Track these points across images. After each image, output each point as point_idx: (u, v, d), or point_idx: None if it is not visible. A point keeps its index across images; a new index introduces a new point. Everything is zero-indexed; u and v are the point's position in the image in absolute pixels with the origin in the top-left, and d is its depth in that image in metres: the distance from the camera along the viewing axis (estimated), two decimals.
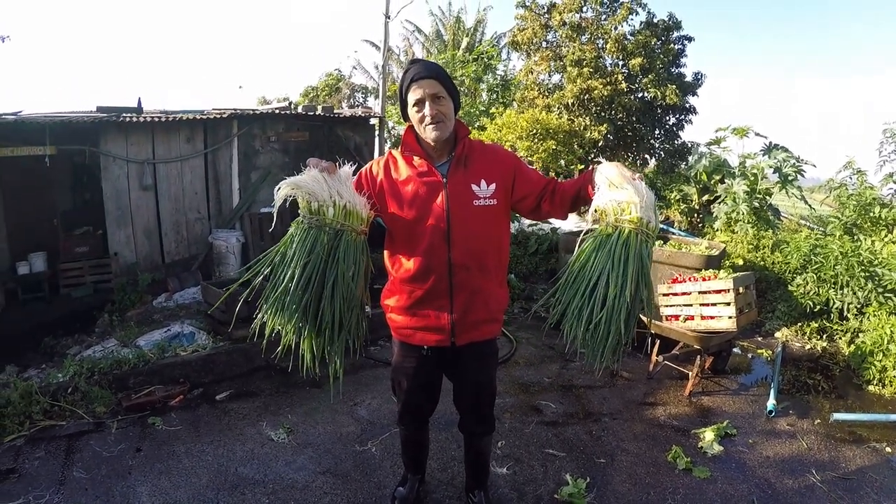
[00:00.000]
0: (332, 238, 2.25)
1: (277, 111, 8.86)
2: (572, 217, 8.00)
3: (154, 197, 7.66)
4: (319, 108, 9.50)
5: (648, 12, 12.82)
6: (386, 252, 2.65)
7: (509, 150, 3.00)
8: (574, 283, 2.23)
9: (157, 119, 7.45)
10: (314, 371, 2.37)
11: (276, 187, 2.27)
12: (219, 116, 8.05)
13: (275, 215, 2.30)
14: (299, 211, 2.29)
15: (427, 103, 2.39)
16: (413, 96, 2.42)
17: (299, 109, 9.31)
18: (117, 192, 7.34)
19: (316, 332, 2.31)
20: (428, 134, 2.43)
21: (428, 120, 2.40)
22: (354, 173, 2.42)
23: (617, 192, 2.18)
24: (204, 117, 7.96)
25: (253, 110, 8.85)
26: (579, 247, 2.27)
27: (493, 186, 2.50)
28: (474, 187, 2.48)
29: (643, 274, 2.16)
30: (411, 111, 2.47)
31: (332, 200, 2.25)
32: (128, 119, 7.19)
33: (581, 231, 2.33)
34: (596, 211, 2.23)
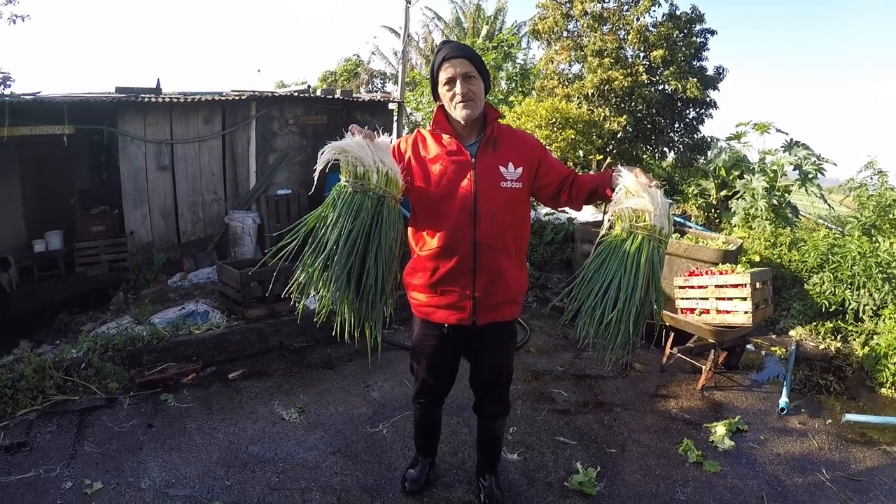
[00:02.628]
0: (376, 203, 2.29)
1: (296, 94, 8.85)
2: (589, 207, 7.97)
3: (171, 177, 7.68)
4: (338, 91, 9.48)
5: (671, 4, 12.72)
6: (410, 230, 2.67)
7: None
8: (589, 283, 2.37)
9: (175, 100, 7.45)
10: (355, 337, 2.37)
11: (320, 151, 2.29)
12: (237, 98, 8.06)
13: (315, 178, 2.29)
14: (341, 175, 2.32)
15: (458, 82, 2.43)
16: (444, 75, 2.46)
17: (318, 93, 9.30)
18: (134, 172, 7.36)
19: (359, 296, 2.32)
20: (458, 113, 2.46)
21: (458, 98, 2.44)
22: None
23: (633, 199, 2.30)
24: (223, 99, 7.97)
25: (271, 93, 8.84)
26: (595, 249, 2.41)
27: (520, 170, 2.53)
28: (502, 169, 2.50)
29: (654, 278, 2.30)
30: (442, 90, 2.50)
31: (375, 166, 2.29)
32: (146, 99, 7.20)
33: (597, 221, 2.42)
34: (613, 216, 2.36)
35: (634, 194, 2.30)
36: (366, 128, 2.36)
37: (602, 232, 2.43)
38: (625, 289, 2.25)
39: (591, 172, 11.41)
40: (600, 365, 4.96)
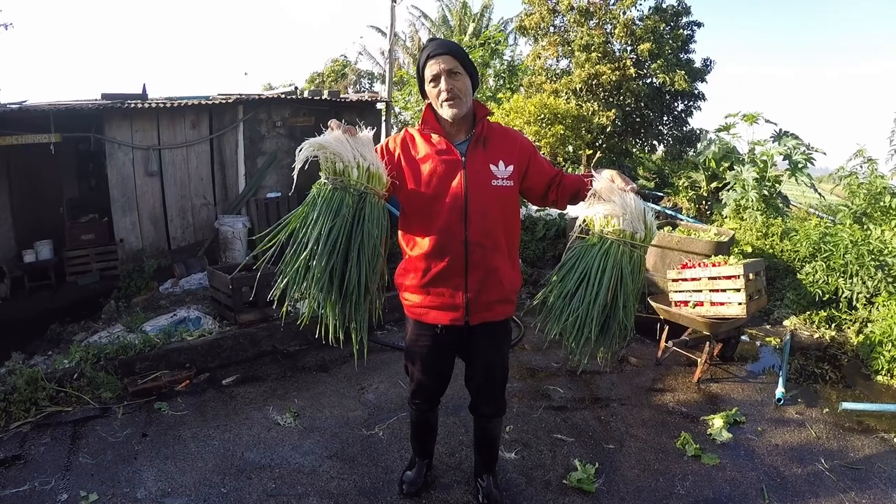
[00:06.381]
0: (357, 200, 2.23)
1: (283, 96, 8.81)
2: (582, 202, 7.95)
3: (160, 183, 7.63)
4: (325, 92, 9.46)
5: None
6: (400, 230, 2.64)
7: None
8: (557, 287, 2.41)
9: (161, 105, 7.40)
10: (339, 339, 2.31)
11: (299, 148, 2.24)
12: (224, 102, 8.01)
13: (295, 176, 2.23)
14: (320, 173, 2.26)
15: (443, 79, 2.40)
16: (429, 72, 2.43)
17: (305, 94, 9.26)
18: (122, 179, 7.31)
19: (342, 297, 2.25)
20: (444, 111, 2.44)
21: (444, 96, 2.41)
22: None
23: (602, 204, 2.31)
24: (209, 103, 7.92)
25: (258, 95, 8.80)
26: (566, 253, 2.43)
27: (510, 168, 2.51)
28: (493, 167, 2.49)
29: (622, 283, 2.28)
30: (428, 87, 2.48)
31: (356, 162, 2.23)
32: (132, 105, 7.15)
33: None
34: (584, 221, 2.38)
35: (605, 199, 2.31)
36: (344, 124, 2.29)
37: (573, 236, 2.44)
38: (590, 294, 2.26)
39: (581, 167, 11.47)
40: (595, 360, 4.96)
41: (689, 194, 10.36)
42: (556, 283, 2.42)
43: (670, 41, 12.26)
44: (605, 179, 2.33)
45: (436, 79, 2.42)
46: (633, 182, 2.38)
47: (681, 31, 12.48)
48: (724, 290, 4.48)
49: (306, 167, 2.23)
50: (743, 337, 5.47)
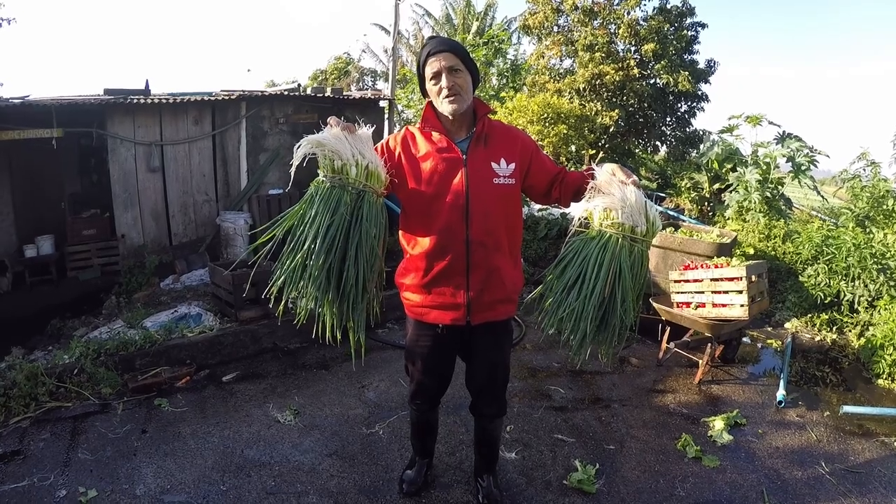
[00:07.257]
0: (355, 199, 2.22)
1: (286, 93, 8.79)
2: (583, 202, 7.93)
3: (161, 179, 7.61)
4: (328, 90, 9.44)
5: None
6: (401, 229, 2.63)
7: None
8: (554, 282, 2.35)
9: (164, 101, 7.39)
10: (336, 338, 2.30)
11: (297, 145, 2.23)
12: (227, 98, 8.00)
13: (292, 173, 2.23)
14: (319, 171, 2.25)
15: (443, 76, 2.39)
16: (430, 70, 2.42)
17: (308, 91, 9.24)
18: (124, 174, 7.30)
19: (339, 296, 2.24)
20: (445, 107, 2.42)
21: (445, 93, 2.39)
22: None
23: (601, 197, 2.26)
24: (212, 99, 7.90)
25: (261, 92, 8.78)
26: (564, 248, 2.37)
27: (512, 166, 2.50)
28: (494, 165, 2.47)
29: (620, 278, 2.22)
30: (429, 85, 2.47)
31: (354, 160, 2.21)
32: (135, 101, 7.14)
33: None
34: (584, 215, 2.33)
35: (605, 192, 2.27)
36: (342, 119, 2.28)
37: (571, 230, 2.39)
38: (586, 288, 2.22)
39: (584, 167, 11.48)
40: (597, 360, 4.94)
41: (692, 195, 10.34)
42: (553, 277, 2.38)
43: (674, 42, 12.22)
44: (606, 173, 2.30)
45: (436, 76, 2.41)
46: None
47: (685, 31, 12.43)
48: (726, 292, 4.47)
49: (304, 164, 2.22)
50: (744, 339, 5.46)
